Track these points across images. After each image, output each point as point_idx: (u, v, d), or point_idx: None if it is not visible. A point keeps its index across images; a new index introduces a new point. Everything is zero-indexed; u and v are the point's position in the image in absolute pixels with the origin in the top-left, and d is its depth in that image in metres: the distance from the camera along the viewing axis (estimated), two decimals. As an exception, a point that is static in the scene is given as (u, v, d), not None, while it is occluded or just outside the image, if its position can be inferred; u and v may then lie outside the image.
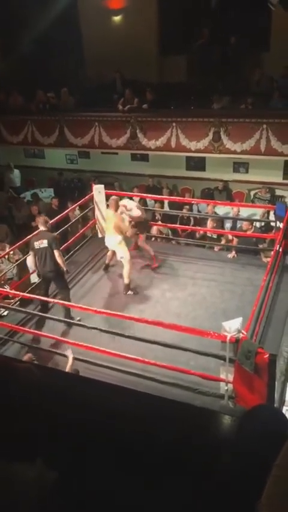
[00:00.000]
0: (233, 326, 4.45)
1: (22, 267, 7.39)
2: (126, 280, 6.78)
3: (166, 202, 10.01)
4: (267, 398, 4.07)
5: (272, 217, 7.99)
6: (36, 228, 6.62)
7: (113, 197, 7.16)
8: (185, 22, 10.88)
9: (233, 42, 10.22)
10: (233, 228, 8.92)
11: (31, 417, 1.45)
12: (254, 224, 8.07)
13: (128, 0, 11.14)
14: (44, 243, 6.02)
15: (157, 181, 11.00)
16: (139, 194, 9.50)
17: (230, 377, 4.52)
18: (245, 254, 7.76)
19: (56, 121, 11.05)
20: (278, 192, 10.03)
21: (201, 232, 8.93)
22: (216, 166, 10.43)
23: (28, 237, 6.52)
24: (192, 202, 10.03)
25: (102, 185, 8.04)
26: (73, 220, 8.47)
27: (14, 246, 7.27)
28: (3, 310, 6.34)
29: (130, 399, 1.64)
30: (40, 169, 12.51)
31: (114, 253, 7.21)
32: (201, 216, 9.50)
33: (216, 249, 8.34)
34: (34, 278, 7.33)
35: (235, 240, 8.15)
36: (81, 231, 8.35)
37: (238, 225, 8.65)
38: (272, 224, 7.92)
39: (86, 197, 8.25)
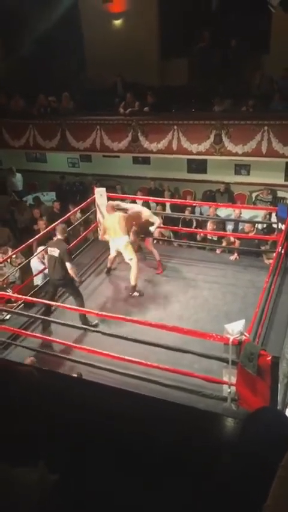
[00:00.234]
0: (235, 328, 4.44)
1: (24, 270, 7.41)
2: (133, 282, 6.79)
3: (168, 205, 10.01)
4: (270, 400, 4.06)
5: (273, 218, 8.00)
6: (38, 231, 6.64)
7: (109, 202, 7.24)
8: (186, 25, 10.91)
9: (234, 45, 10.26)
10: (235, 230, 8.90)
11: (31, 418, 1.46)
12: (255, 226, 8.06)
13: (128, 3, 11.20)
14: (56, 253, 6.04)
15: (159, 184, 11.01)
16: (142, 197, 9.51)
17: (233, 380, 4.50)
18: (247, 256, 7.75)
19: (57, 125, 11.08)
20: (280, 194, 10.03)
21: (203, 234, 8.93)
22: (217, 168, 10.43)
23: (30, 240, 6.53)
24: (194, 204, 10.03)
25: (104, 189, 8.07)
26: (75, 224, 8.49)
27: (16, 250, 7.28)
28: (5, 313, 6.35)
29: (129, 401, 1.64)
30: (42, 173, 12.53)
31: (116, 256, 7.21)
32: (203, 218, 9.50)
33: (218, 251, 8.33)
34: (37, 280, 7.35)
35: (237, 242, 8.15)
36: (83, 234, 8.37)
37: (240, 227, 8.63)
38: (274, 226, 7.90)
39: (88, 200, 8.27)
